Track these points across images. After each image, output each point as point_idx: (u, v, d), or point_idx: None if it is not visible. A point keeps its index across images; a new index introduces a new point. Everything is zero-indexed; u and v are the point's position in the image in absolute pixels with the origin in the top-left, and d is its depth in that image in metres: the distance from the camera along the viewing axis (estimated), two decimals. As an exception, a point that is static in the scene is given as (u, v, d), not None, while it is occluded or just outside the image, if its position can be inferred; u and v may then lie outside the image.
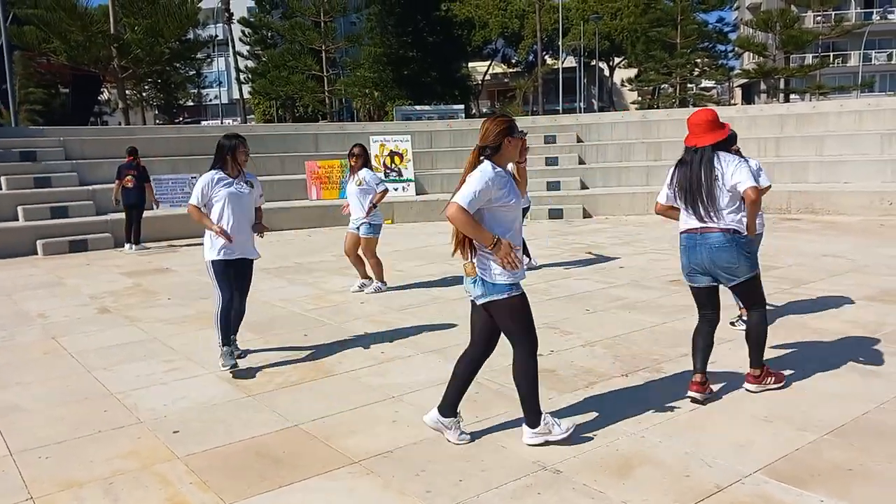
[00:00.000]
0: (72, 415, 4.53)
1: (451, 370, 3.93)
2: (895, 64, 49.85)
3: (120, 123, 29.49)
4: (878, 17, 49.10)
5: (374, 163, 16.01)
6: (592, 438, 3.90)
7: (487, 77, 60.60)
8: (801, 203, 13.70)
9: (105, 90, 41.55)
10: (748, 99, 52.67)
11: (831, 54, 47.82)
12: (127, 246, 11.83)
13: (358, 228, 7.85)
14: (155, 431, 4.22)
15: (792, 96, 38.91)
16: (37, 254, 11.71)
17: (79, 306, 7.77)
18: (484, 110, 58.04)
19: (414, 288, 8.13)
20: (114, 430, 4.25)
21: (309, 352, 5.75)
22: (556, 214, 14.70)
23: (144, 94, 44.47)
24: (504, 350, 3.82)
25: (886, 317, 6.19)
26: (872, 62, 50.96)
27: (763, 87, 43.14)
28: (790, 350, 5.35)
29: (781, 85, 39.03)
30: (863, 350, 5.32)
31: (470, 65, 52.48)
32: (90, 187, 13.60)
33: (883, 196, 13.04)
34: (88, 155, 14.66)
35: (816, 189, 13.93)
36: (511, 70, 61.88)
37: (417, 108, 30.83)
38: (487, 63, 60.15)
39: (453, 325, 6.36)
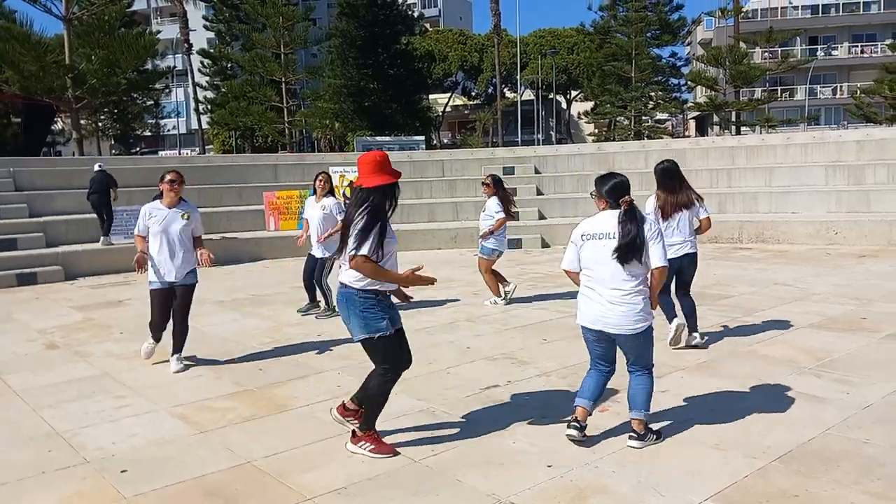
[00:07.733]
0: (14, 456, 4.38)
1: (410, 403, 3.91)
2: (839, 98, 51.98)
3: (73, 154, 28.91)
4: (822, 54, 51.28)
5: (334, 192, 15.99)
6: (548, 468, 3.91)
7: (448, 109, 61.43)
8: (752, 232, 14.07)
9: (59, 120, 40.84)
10: (702, 131, 54.16)
11: (779, 89, 49.64)
12: None
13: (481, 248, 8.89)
14: (102, 471, 4.10)
15: (743, 128, 40.13)
16: (-17, 288, 11.34)
17: (26, 342, 7.54)
18: (444, 141, 58.63)
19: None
20: (59, 471, 4.12)
21: (264, 386, 5.66)
22: (514, 244, 14.82)
23: (100, 125, 43.83)
24: (454, 383, 3.82)
25: (833, 344, 6.37)
26: (818, 96, 53.12)
27: (716, 119, 44.45)
28: (739, 377, 5.46)
29: (733, 118, 40.24)
30: (810, 377, 5.46)
31: (431, 97, 53.09)
32: (41, 219, 13.29)
33: (829, 225, 13.47)
34: (39, 186, 14.34)
35: (766, 219, 14.33)
36: (471, 102, 62.89)
37: (378, 138, 30.91)
38: (448, 95, 61.01)
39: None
